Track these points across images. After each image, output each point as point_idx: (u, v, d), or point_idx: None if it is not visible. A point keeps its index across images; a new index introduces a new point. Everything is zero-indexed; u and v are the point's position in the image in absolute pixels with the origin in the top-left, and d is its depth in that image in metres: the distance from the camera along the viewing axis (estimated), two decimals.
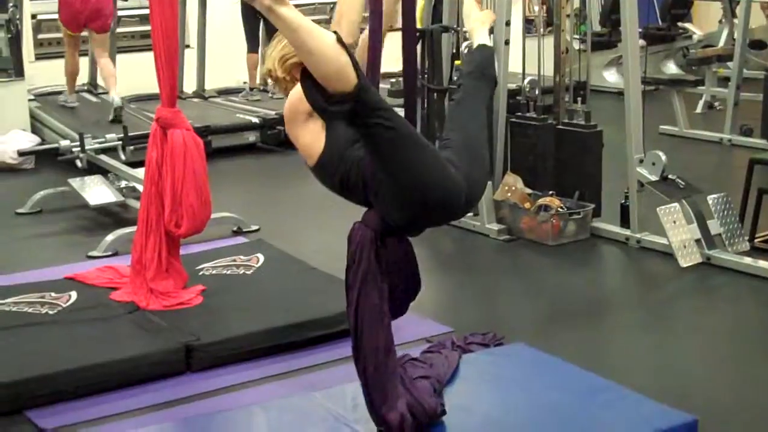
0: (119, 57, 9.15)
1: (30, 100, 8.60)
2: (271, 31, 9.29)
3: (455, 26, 6.27)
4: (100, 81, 9.09)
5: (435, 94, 6.08)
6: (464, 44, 6.12)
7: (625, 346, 4.45)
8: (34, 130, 8.23)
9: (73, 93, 8.77)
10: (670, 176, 5.48)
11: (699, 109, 9.23)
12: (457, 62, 6.24)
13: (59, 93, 8.96)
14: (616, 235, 5.67)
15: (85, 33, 8.42)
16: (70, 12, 8.11)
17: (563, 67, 6.16)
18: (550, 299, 5.00)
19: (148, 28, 9.81)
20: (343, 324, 3.66)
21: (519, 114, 6.11)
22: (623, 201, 5.67)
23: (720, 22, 10.27)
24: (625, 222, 5.66)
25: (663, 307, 4.87)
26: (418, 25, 10.15)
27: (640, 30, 7.51)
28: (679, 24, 10.97)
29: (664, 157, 5.47)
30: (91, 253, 5.56)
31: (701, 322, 4.68)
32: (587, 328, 4.60)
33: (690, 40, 10.87)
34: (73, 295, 4.69)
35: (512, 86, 6.16)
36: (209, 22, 9.55)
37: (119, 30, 9.43)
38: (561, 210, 5.66)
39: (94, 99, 9.19)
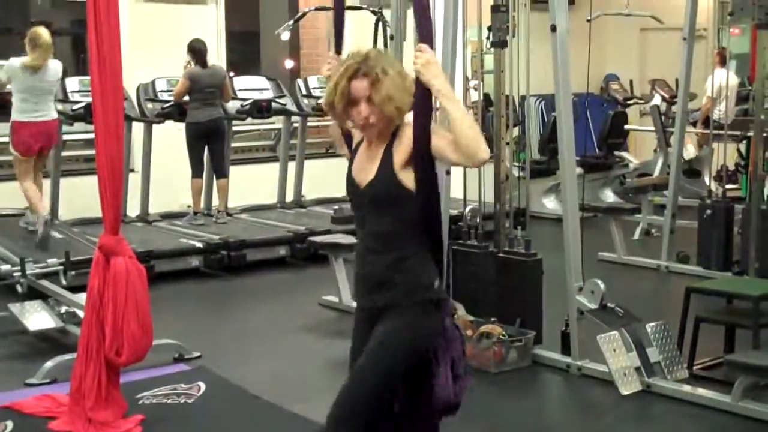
0: (63, 180, 9.16)
1: None
2: (215, 158, 9.41)
3: None
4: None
5: None
6: None
7: None
8: None
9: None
10: (609, 304, 5.56)
11: (636, 236, 9.41)
12: None
13: (1, 216, 8.88)
14: (558, 363, 5.71)
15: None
16: (27, 135, 8.03)
17: (503, 194, 6.28)
18: (491, 428, 4.99)
19: (92, 151, 9.93)
20: None
21: (461, 242, 6.20)
22: (564, 328, 5.72)
23: (655, 151, 10.59)
24: (566, 349, 5.71)
25: None
26: None
27: (578, 158, 7.72)
28: (616, 153, 11.29)
29: (602, 286, 5.56)
30: (29, 381, 5.46)
31: None
32: None
33: (626, 168, 11.19)
34: (9, 424, 4.62)
35: (453, 212, 6.26)
36: (154, 146, 9.62)
37: (64, 153, 9.44)
38: (503, 337, 5.71)
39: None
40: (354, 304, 6.56)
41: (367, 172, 3.18)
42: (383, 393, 3.18)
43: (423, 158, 3.07)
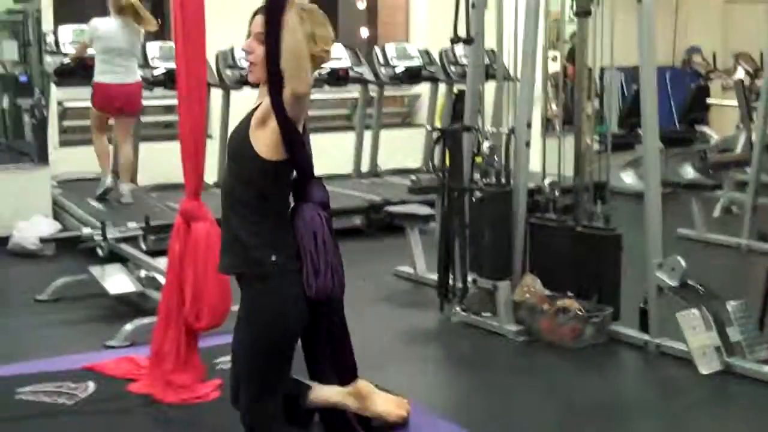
0: (143, 145, 9.26)
1: (53, 186, 8.68)
2: None
3: (476, 125, 6.35)
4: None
5: (455, 193, 6.12)
6: (485, 144, 6.20)
7: None
8: (56, 217, 8.28)
9: (108, 174, 8.57)
10: (689, 281, 5.48)
11: (716, 213, 9.24)
12: (477, 160, 6.32)
13: (83, 180, 9.05)
14: (635, 340, 5.65)
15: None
16: (105, 97, 8.23)
17: (583, 167, 6.21)
18: (567, 403, 4.97)
19: (172, 117, 10.05)
20: None
21: (539, 215, 6.14)
22: (642, 305, 5.65)
23: (737, 126, 10.36)
24: (643, 326, 5.64)
25: (682, 414, 4.83)
26: (437, 124, 10.35)
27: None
28: (697, 127, 11.09)
29: (683, 262, 5.47)
30: (109, 343, 5.56)
31: (721, 431, 4.64)
32: None
33: (707, 143, 10.97)
34: (91, 385, 4.69)
35: (531, 185, 6.21)
36: (232, 113, 9.67)
37: (144, 119, 9.54)
38: (580, 313, 5.65)
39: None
40: (429, 276, 6.61)
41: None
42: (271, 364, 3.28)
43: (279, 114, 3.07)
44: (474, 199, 6.06)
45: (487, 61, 7.02)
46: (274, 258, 3.20)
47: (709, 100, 11.41)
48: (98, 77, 8.23)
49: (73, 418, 4.30)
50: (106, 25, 8.18)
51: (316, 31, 3.13)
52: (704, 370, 5.14)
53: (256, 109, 3.32)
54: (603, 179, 6.27)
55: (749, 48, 11.43)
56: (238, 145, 3.15)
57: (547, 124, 6.79)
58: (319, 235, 3.29)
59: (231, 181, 3.22)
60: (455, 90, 10.41)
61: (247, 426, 3.30)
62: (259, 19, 3.11)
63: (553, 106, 9.60)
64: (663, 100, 11.30)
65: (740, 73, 11.33)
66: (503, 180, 6.07)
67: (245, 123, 3.21)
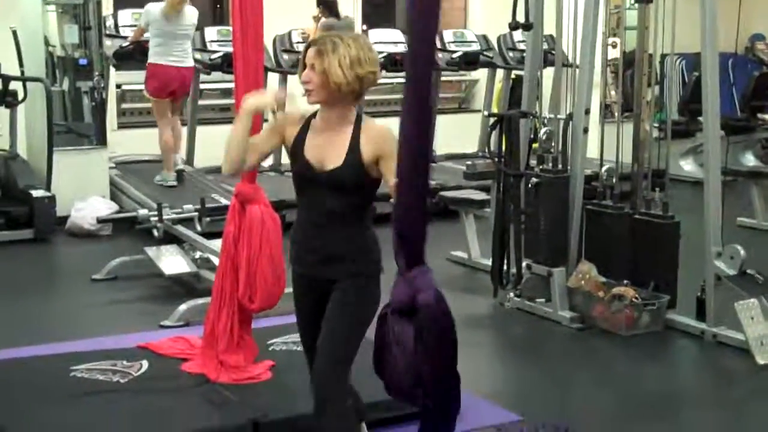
0: (200, 129, 9.31)
1: (111, 168, 8.76)
2: None
3: (533, 111, 6.29)
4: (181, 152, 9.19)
5: (511, 178, 6.07)
6: (543, 130, 6.14)
7: None
8: (113, 198, 8.37)
9: (171, 170, 8.61)
10: (748, 271, 5.39)
11: None
12: (534, 146, 6.26)
13: (140, 162, 9.13)
14: (692, 329, 5.57)
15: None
16: (160, 79, 8.27)
17: (642, 154, 6.13)
18: (621, 392, 4.92)
19: (229, 101, 10.09)
20: (410, 407, 3.63)
21: (595, 201, 6.07)
22: (699, 294, 5.57)
23: None
24: (700, 315, 5.56)
25: (739, 405, 4.77)
26: (495, 109, 10.30)
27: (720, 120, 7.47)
28: (759, 115, 10.89)
29: (743, 252, 5.38)
30: (163, 323, 5.61)
31: None
32: (660, 424, 4.50)
33: None
34: (145, 364, 4.72)
35: (588, 172, 6.14)
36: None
37: (201, 102, 9.59)
38: (635, 300, 5.59)
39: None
40: (483, 261, 6.57)
41: (327, 156, 3.34)
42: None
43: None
44: (530, 185, 6.01)
45: (545, 46, 6.94)
46: (378, 259, 3.45)
47: None
48: (153, 58, 8.26)
49: (126, 396, 4.32)
50: (160, 9, 8.22)
51: (361, 55, 3.29)
52: (762, 360, 5.06)
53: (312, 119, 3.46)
54: (662, 167, 6.18)
55: None
56: (353, 178, 3.35)
57: (606, 110, 6.71)
58: None
59: (334, 202, 3.36)
60: (513, 75, 10.36)
61: (322, 399, 3.38)
62: (312, 51, 3.30)
63: (612, 93, 9.52)
64: (725, 87, 11.12)
65: None
66: (560, 166, 6.01)
67: (351, 157, 3.34)
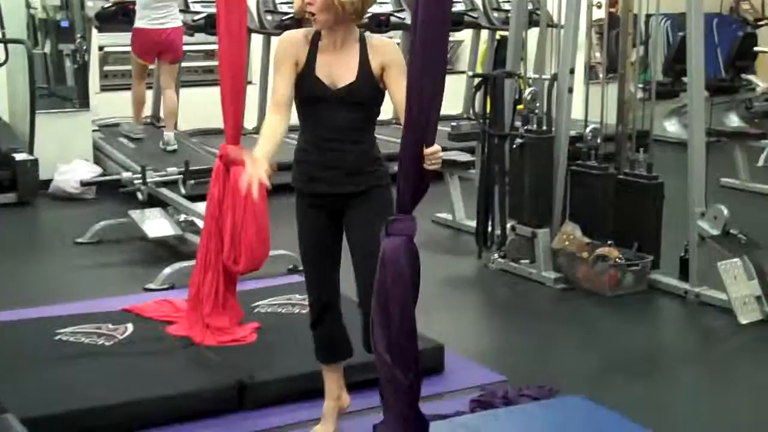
0: (183, 91, 9.25)
1: (94, 130, 8.70)
2: None
3: (518, 71, 6.27)
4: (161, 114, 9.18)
5: (496, 139, 6.06)
6: (528, 90, 6.13)
7: (684, 402, 4.38)
8: (97, 161, 8.32)
9: (140, 123, 8.82)
10: (731, 231, 5.41)
11: (761, 163, 9.11)
12: (518, 107, 6.25)
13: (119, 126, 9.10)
14: (675, 289, 5.60)
15: (151, 66, 8.56)
16: (144, 42, 8.23)
17: (626, 115, 6.13)
18: (606, 351, 4.94)
19: (212, 63, 10.04)
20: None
21: (580, 162, 6.07)
22: (683, 254, 5.60)
23: None
24: (684, 275, 5.59)
25: (722, 363, 4.80)
26: (479, 70, 10.26)
27: None
28: (743, 76, 10.89)
29: (726, 212, 5.40)
30: (148, 286, 5.60)
31: (761, 380, 4.59)
32: (644, 382, 4.53)
33: (753, 92, 10.79)
34: (130, 327, 4.72)
35: (573, 133, 6.14)
36: (273, 59, 9.63)
37: (184, 64, 9.52)
38: (619, 261, 5.61)
39: (156, 131, 9.29)
40: (468, 222, 6.58)
41: (338, 73, 3.39)
42: None
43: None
44: (514, 146, 6.00)
45: (530, 7, 6.91)
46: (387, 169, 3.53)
47: (757, 49, 11.18)
48: (138, 23, 8.22)
49: (112, 358, 4.33)
50: None
51: None
52: (744, 320, 5.09)
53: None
54: (646, 127, 6.18)
55: None
56: (367, 91, 3.42)
57: (591, 71, 6.70)
58: None
59: (347, 118, 3.43)
60: (498, 36, 10.31)
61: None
62: None
63: (597, 54, 9.49)
64: (709, 47, 11.06)
65: None
66: (545, 127, 6.00)
67: (363, 71, 3.38)
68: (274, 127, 3.47)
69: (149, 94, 9.15)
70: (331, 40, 3.41)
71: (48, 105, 8.44)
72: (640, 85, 6.76)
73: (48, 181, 7.84)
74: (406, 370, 2.98)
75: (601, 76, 7.37)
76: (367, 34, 3.46)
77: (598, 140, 6.06)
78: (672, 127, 10.38)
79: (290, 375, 4.21)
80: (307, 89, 3.43)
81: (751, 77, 11.07)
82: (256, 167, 3.26)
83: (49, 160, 7.84)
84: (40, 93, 8.27)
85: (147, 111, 9.32)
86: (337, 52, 3.41)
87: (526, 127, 6.03)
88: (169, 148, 8.27)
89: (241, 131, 4.78)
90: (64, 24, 8.78)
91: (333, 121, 3.42)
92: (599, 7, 8.35)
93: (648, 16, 6.96)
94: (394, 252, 2.97)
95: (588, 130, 6.09)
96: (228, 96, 4.65)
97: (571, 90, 5.93)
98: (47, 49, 8.94)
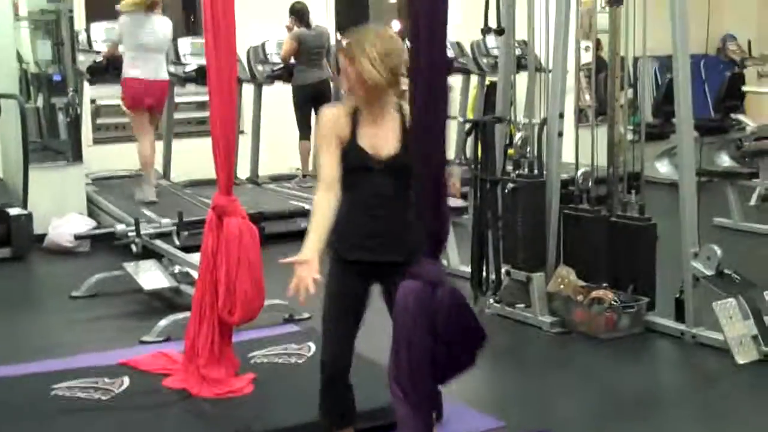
0: (176, 142, 9.30)
1: (87, 184, 8.72)
2: None
3: (508, 116, 6.31)
4: (157, 166, 9.18)
5: (488, 185, 6.09)
6: (518, 135, 6.16)
7: None
8: (91, 214, 8.34)
9: (152, 185, 8.60)
10: (725, 271, 5.42)
11: (753, 202, 9.15)
12: (510, 152, 6.28)
13: (116, 178, 9.10)
14: (671, 330, 5.60)
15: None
16: (134, 91, 8.24)
17: (617, 157, 6.16)
18: (603, 395, 4.93)
19: (204, 114, 10.08)
20: (390, 417, 3.63)
21: (572, 205, 6.09)
22: (678, 295, 5.60)
23: None
24: (680, 316, 5.59)
25: (719, 405, 4.78)
26: (470, 115, 10.30)
27: (693, 121, 7.48)
28: (732, 116, 10.97)
29: (719, 252, 5.41)
30: (143, 338, 5.59)
31: (758, 422, 4.57)
32: (641, 425, 4.51)
33: (743, 131, 10.86)
34: (126, 380, 4.70)
35: (564, 176, 6.16)
36: (264, 109, 9.69)
37: (177, 116, 9.57)
38: (615, 303, 5.61)
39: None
40: (462, 268, 6.56)
41: (381, 143, 3.46)
42: None
43: None
44: (506, 191, 6.03)
45: (518, 52, 6.96)
46: None
47: (745, 88, 11.29)
48: (128, 71, 8.24)
49: (109, 413, 4.31)
50: (135, 21, 8.19)
51: (387, 48, 3.43)
52: (741, 360, 5.08)
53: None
54: (637, 169, 6.21)
55: None
56: (406, 159, 3.32)
57: (581, 114, 6.74)
58: None
59: (393, 185, 3.46)
60: (487, 82, 10.39)
61: None
62: (342, 59, 3.46)
63: (587, 97, 9.56)
64: (698, 88, 11.17)
65: None
66: (536, 171, 6.03)
67: (402, 140, 3.45)
68: (324, 209, 3.45)
69: (132, 148, 9.12)
70: (369, 112, 3.49)
71: (41, 159, 8.46)
72: (630, 128, 6.81)
73: (42, 236, 7.86)
74: (415, 409, 2.97)
75: (591, 118, 7.42)
76: (403, 102, 3.48)
77: (590, 183, 6.08)
78: (663, 168, 10.43)
79: (286, 426, 4.19)
80: (353, 159, 3.48)
81: (740, 117, 11.14)
82: (308, 269, 3.29)
83: (43, 214, 7.87)
84: (33, 147, 8.30)
85: (137, 164, 9.33)
86: (378, 124, 3.50)
87: (517, 172, 6.06)
88: (147, 200, 8.23)
89: (233, 181, 4.79)
90: (57, 77, 8.84)
91: (378, 189, 3.47)
92: (587, 50, 8.42)
93: (636, 58, 7.03)
94: (403, 295, 2.93)
95: (579, 173, 6.12)
96: (219, 146, 4.66)
97: (561, 134, 5.97)
98: (40, 102, 9.00)
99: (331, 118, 3.53)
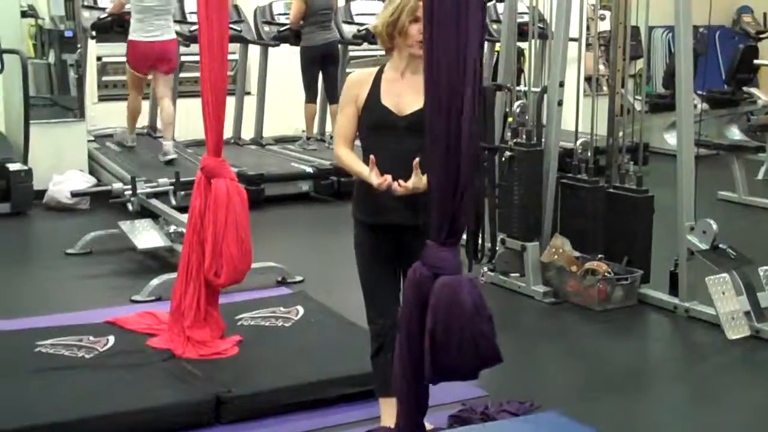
0: (180, 101, 9.24)
1: (89, 141, 8.70)
2: (329, 83, 9.35)
3: (508, 85, 6.24)
4: (158, 124, 9.19)
5: (486, 152, 6.02)
6: (517, 103, 6.09)
7: (667, 419, 4.33)
8: (92, 171, 8.32)
9: (133, 132, 8.90)
10: (720, 245, 5.36)
11: (760, 176, 9.05)
12: (509, 120, 6.21)
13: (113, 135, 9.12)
14: (664, 303, 5.56)
15: (149, 76, 8.56)
16: (138, 55, 8.24)
17: (617, 128, 6.09)
18: (592, 366, 4.90)
19: None
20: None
21: (570, 175, 6.04)
22: (672, 268, 5.55)
23: None
24: (673, 290, 5.54)
25: (708, 380, 4.75)
26: None
27: (704, 93, 7.40)
28: (744, 89, 10.85)
29: (715, 226, 5.35)
30: (134, 297, 5.58)
31: (747, 398, 4.55)
32: (629, 398, 4.48)
33: (755, 105, 10.74)
34: (111, 339, 4.69)
35: (568, 145, 6.10)
36: (270, 70, 9.63)
37: (181, 75, 9.52)
38: (608, 275, 5.57)
39: (152, 142, 9.29)
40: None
41: (405, 101, 3.47)
42: None
43: None
44: (504, 159, 5.96)
45: (527, 18, 6.87)
46: None
47: (758, 61, 11.13)
48: (132, 35, 8.23)
49: (90, 371, 4.30)
50: None
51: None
52: (732, 335, 5.04)
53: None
54: (643, 140, 6.12)
55: None
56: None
57: (596, 83, 6.65)
58: None
59: (416, 144, 3.23)
60: (497, 48, 10.29)
61: None
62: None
63: (601, 66, 9.45)
64: (712, 60, 11.07)
65: None
66: (534, 140, 5.96)
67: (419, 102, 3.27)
68: (350, 153, 3.58)
69: (145, 105, 9.16)
70: (397, 70, 3.52)
71: (44, 115, 8.44)
72: (639, 98, 6.73)
73: (42, 192, 7.83)
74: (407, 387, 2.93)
75: (605, 88, 7.34)
76: None
77: (588, 153, 6.02)
78: (672, 140, 10.30)
79: (269, 389, 4.18)
80: (374, 117, 3.51)
81: (752, 90, 11.02)
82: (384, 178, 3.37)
83: (44, 170, 7.84)
84: (43, 103, 8.29)
85: (144, 121, 9.35)
86: (405, 81, 3.51)
87: (515, 140, 6.00)
88: (168, 157, 8.25)
89: (222, 142, 4.75)
90: (68, 33, 8.82)
91: (400, 151, 3.44)
92: (603, 19, 8.32)
93: (650, 28, 6.93)
94: (406, 285, 2.82)
95: (578, 143, 6.05)
96: (209, 110, 4.62)
97: (561, 102, 5.89)
98: (52, 59, 8.98)
99: (352, 81, 3.60)
